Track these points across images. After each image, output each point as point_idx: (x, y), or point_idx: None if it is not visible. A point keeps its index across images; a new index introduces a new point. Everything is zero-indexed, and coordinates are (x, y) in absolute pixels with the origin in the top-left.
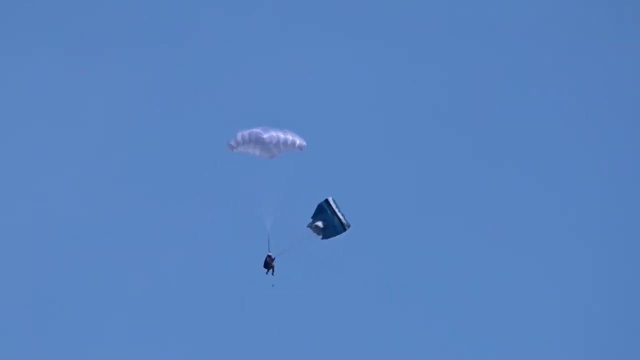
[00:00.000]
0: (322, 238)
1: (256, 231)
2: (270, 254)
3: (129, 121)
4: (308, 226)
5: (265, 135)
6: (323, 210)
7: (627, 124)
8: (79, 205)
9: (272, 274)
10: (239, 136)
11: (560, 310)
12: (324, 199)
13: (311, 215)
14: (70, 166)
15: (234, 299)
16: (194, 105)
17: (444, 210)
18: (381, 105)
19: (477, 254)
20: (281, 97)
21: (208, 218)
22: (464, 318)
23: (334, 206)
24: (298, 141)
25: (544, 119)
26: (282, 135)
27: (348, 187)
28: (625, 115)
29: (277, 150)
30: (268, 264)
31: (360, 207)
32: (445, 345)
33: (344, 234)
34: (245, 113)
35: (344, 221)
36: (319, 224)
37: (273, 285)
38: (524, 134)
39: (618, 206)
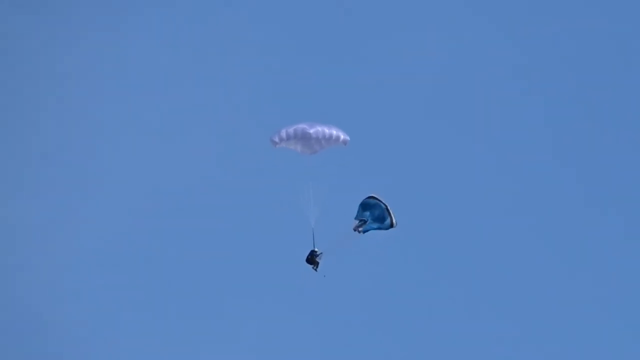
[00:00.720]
0: (363, 231)
1: (301, 227)
2: (315, 249)
3: None
4: (354, 229)
5: (312, 130)
6: (369, 206)
7: None
8: None
9: (316, 270)
10: (283, 132)
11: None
12: (368, 195)
13: (355, 213)
14: None
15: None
16: None
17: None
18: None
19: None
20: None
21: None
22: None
23: (382, 201)
24: (342, 136)
25: None
26: (327, 130)
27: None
28: None
29: (320, 147)
30: (312, 260)
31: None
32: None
33: (384, 231)
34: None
35: (394, 219)
36: (359, 223)
37: (325, 276)
38: None
39: None
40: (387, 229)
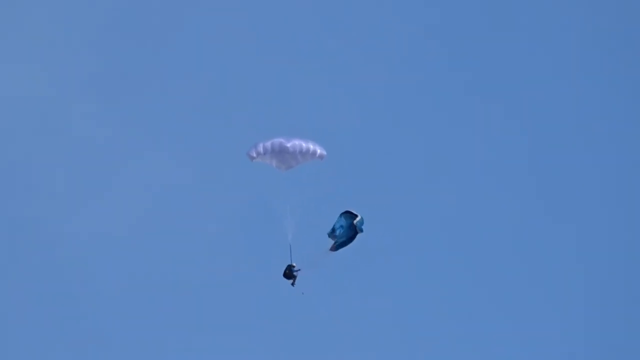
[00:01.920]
0: (337, 246)
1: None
2: (293, 264)
3: None
4: (330, 249)
5: (289, 144)
6: (340, 219)
7: None
8: None
9: (293, 285)
10: (260, 146)
11: None
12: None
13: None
14: None
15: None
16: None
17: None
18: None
19: None
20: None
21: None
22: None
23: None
24: (319, 150)
25: None
26: (304, 144)
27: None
28: None
29: (295, 162)
30: (289, 275)
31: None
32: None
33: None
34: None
35: (356, 223)
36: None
37: (303, 293)
38: None
39: None
40: (354, 232)
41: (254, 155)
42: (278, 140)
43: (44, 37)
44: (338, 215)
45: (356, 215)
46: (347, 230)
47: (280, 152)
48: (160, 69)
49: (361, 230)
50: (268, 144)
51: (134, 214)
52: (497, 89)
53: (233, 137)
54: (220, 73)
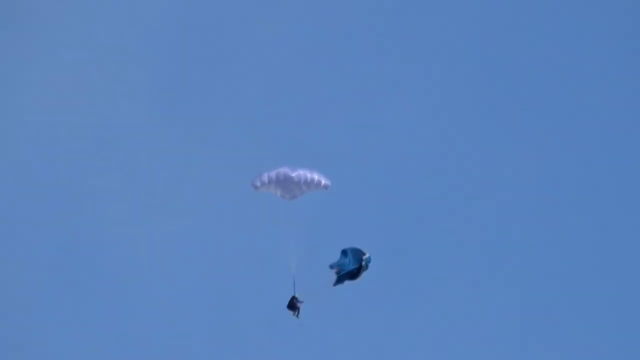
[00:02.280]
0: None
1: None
2: (296, 295)
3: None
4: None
5: (294, 174)
6: (345, 253)
7: None
8: None
9: (297, 316)
10: (264, 176)
11: None
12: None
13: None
14: None
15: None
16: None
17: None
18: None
19: None
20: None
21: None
22: None
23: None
24: (323, 181)
25: None
26: (309, 174)
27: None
28: None
29: (300, 192)
30: (293, 305)
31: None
32: None
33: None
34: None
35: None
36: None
37: (302, 324)
38: None
39: None
40: (359, 266)
41: (258, 184)
42: (283, 170)
43: (103, 47)
44: (342, 249)
45: (364, 253)
46: (353, 261)
47: (285, 182)
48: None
49: (367, 268)
50: (273, 173)
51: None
52: None
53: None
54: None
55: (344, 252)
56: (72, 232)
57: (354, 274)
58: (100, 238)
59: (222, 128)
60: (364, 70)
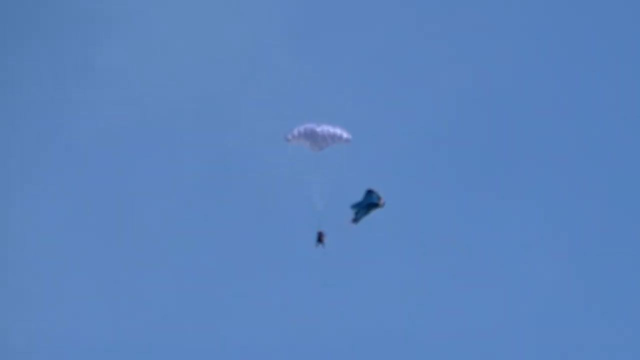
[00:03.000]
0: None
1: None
2: (320, 230)
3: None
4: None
5: (318, 129)
6: (365, 196)
7: None
8: None
9: (323, 247)
10: (295, 130)
11: None
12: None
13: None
14: None
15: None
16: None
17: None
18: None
19: None
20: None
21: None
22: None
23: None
24: (345, 135)
25: None
26: (331, 129)
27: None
28: None
29: (325, 144)
30: (320, 239)
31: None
32: None
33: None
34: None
35: (382, 199)
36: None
37: (324, 250)
38: None
39: None
40: (375, 204)
41: (290, 138)
42: (310, 125)
43: None
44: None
45: (380, 198)
46: (370, 199)
47: (312, 135)
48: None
49: (381, 205)
50: (302, 128)
51: None
52: None
53: None
54: None
55: (367, 193)
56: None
57: (370, 206)
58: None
59: None
60: None
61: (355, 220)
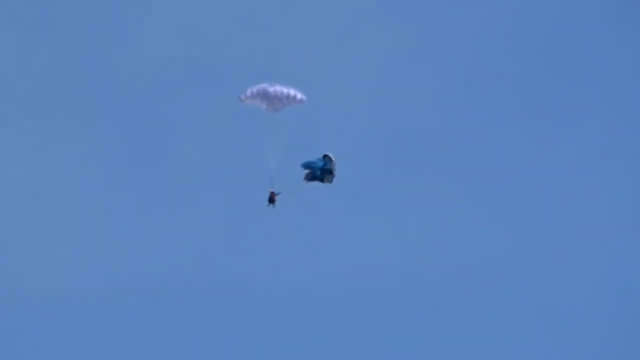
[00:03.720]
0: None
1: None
2: (272, 190)
3: None
4: (304, 179)
5: (271, 89)
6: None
7: None
8: None
9: (274, 207)
10: (248, 91)
11: None
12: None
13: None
14: None
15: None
16: None
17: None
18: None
19: None
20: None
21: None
22: None
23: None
24: (299, 95)
25: None
26: (285, 90)
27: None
28: None
29: (281, 105)
30: (271, 199)
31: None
32: None
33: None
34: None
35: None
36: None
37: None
38: None
39: None
40: (327, 170)
41: (243, 98)
42: (263, 85)
43: None
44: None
45: (332, 159)
46: (322, 164)
47: (264, 95)
48: None
49: (331, 172)
50: (255, 89)
51: None
52: None
53: None
54: None
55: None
56: None
57: (323, 172)
58: None
59: None
60: None
61: (306, 179)
